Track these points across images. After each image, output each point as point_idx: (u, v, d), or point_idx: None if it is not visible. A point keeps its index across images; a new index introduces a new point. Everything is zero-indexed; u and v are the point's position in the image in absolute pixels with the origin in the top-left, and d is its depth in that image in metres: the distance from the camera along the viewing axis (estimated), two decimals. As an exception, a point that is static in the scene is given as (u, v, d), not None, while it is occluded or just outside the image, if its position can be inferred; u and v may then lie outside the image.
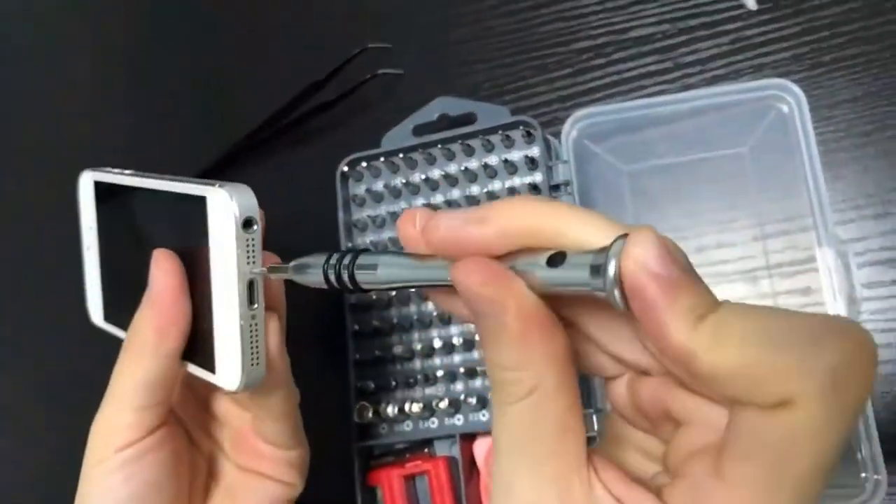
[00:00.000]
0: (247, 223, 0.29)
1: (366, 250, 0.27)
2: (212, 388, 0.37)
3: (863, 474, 0.39)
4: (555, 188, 0.43)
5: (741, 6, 0.48)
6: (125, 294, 0.37)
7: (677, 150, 0.46)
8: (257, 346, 0.30)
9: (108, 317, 0.39)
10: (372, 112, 0.53)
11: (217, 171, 0.55)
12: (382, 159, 0.47)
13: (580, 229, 0.21)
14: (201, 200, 0.30)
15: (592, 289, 0.20)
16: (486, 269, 0.21)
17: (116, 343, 0.34)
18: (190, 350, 0.32)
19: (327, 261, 0.27)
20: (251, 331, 0.30)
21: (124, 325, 0.36)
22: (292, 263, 0.29)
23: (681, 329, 0.19)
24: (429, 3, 0.54)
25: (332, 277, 0.27)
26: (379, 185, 0.47)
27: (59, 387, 0.57)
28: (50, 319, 0.57)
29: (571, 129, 0.45)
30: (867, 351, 0.19)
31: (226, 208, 0.29)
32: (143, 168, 0.36)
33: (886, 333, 0.42)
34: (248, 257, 0.29)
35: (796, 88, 0.43)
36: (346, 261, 0.27)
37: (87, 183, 0.39)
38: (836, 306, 0.41)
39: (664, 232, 0.47)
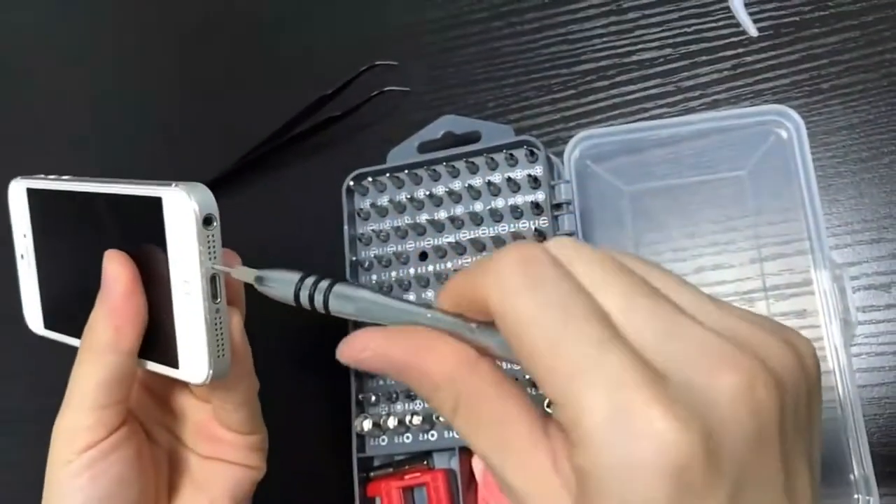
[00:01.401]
0: (206, 220, 0.30)
1: (344, 280, 0.28)
2: (168, 384, 0.38)
3: (855, 496, 0.40)
4: (556, 207, 0.44)
5: (742, 33, 0.49)
6: (70, 299, 0.38)
7: (677, 171, 0.47)
8: (222, 339, 0.32)
9: (51, 324, 0.39)
10: (378, 128, 0.54)
11: (223, 185, 0.56)
12: (388, 175, 0.48)
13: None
14: (156, 201, 0.31)
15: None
16: (351, 344, 0.24)
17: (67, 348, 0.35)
18: (148, 348, 0.33)
19: (302, 280, 0.28)
20: (216, 324, 0.31)
21: (70, 331, 0.37)
22: (260, 272, 0.30)
23: None
24: (436, 23, 0.55)
25: (304, 297, 0.28)
26: (384, 200, 0.48)
27: (16, 392, 0.57)
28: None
29: (574, 150, 0.46)
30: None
31: (185, 206, 0.30)
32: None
33: (881, 357, 0.43)
34: (210, 253, 0.31)
35: (795, 115, 0.44)
36: (323, 286, 0.27)
37: (18, 191, 0.39)
38: (832, 329, 0.42)
39: (663, 253, 0.48)
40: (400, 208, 0.48)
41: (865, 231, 0.44)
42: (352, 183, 0.48)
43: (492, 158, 0.46)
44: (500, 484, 0.23)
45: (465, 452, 0.44)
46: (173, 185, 0.31)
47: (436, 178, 0.47)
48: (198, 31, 0.63)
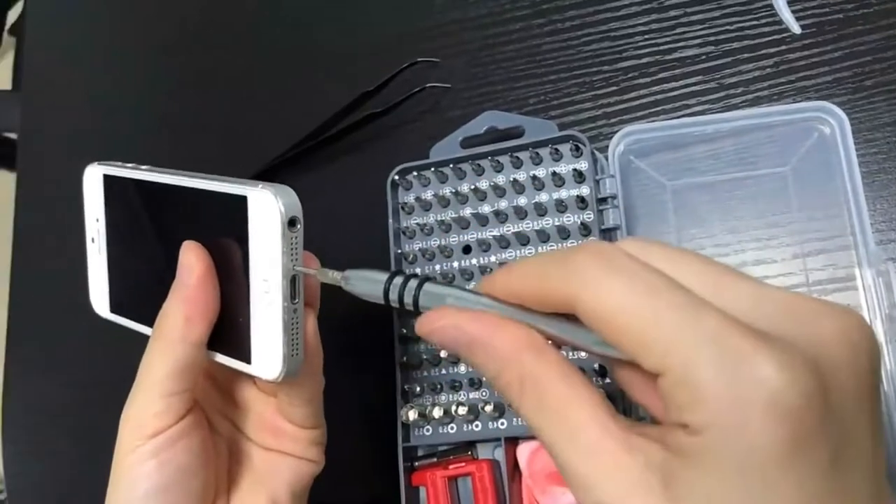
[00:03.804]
0: (291, 222, 0.31)
1: (431, 278, 0.28)
2: (231, 375, 0.38)
3: None
4: (601, 201, 0.45)
5: (785, 30, 0.49)
6: (139, 286, 0.38)
7: (720, 167, 0.47)
8: (297, 339, 0.32)
9: (116, 308, 0.40)
10: (420, 124, 0.55)
11: (267, 177, 0.57)
12: (432, 169, 0.48)
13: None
14: (241, 199, 0.32)
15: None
16: (428, 316, 0.26)
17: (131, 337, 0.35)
18: (220, 341, 0.34)
19: (390, 279, 0.29)
20: (292, 324, 0.32)
21: (135, 317, 0.38)
22: (346, 273, 0.31)
23: None
24: (477, 21, 0.56)
25: (394, 297, 0.29)
26: (428, 194, 0.49)
27: (82, 383, 0.59)
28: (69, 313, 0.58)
29: (618, 144, 0.46)
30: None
31: (271, 208, 0.31)
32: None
33: (926, 352, 0.43)
34: (293, 255, 0.31)
35: (839, 111, 0.44)
36: (412, 285, 0.28)
37: (94, 176, 0.40)
38: (876, 325, 0.42)
39: (706, 248, 0.48)
40: (444, 202, 0.48)
41: (910, 227, 0.44)
42: (396, 177, 0.49)
43: (536, 153, 0.46)
44: (563, 471, 0.23)
45: (510, 443, 0.44)
46: (259, 185, 0.31)
47: (479, 172, 0.48)
48: (237, 26, 0.64)
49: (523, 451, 0.44)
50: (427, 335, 0.26)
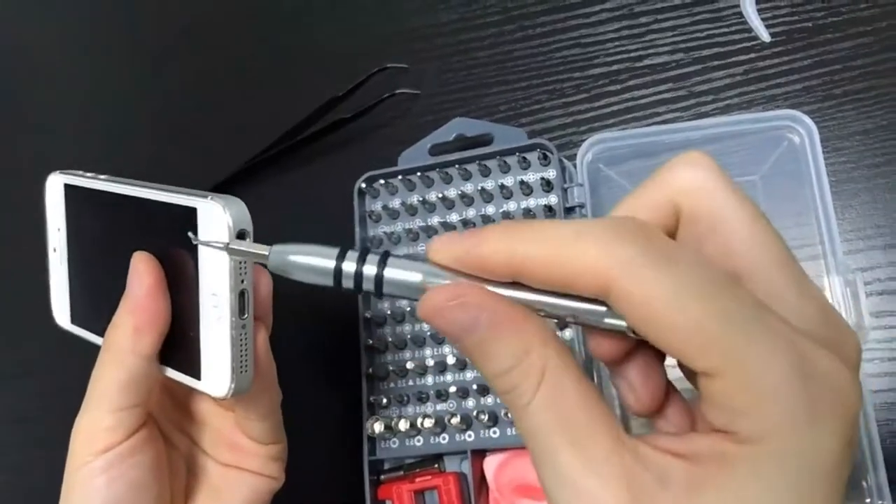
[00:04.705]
0: (240, 236, 0.30)
1: (389, 253, 0.24)
2: (190, 390, 0.37)
3: (867, 500, 0.40)
4: (569, 210, 0.44)
5: (755, 38, 0.49)
6: (96, 297, 0.38)
7: (690, 176, 0.47)
8: (246, 355, 0.31)
9: (76, 319, 0.39)
10: (388, 130, 0.54)
11: (233, 184, 0.56)
12: (400, 177, 0.48)
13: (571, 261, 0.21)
14: (191, 211, 0.31)
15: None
16: (440, 292, 0.22)
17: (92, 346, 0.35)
18: (172, 356, 0.33)
19: (341, 254, 0.24)
20: (241, 340, 0.31)
21: (93, 328, 0.37)
22: (275, 247, 0.26)
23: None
24: (448, 26, 0.55)
25: (349, 274, 0.24)
26: (395, 202, 0.48)
27: (38, 391, 0.57)
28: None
29: (587, 153, 0.46)
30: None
31: (219, 221, 0.29)
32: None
33: (893, 362, 0.43)
34: (241, 268, 0.30)
35: (808, 120, 0.44)
36: (372, 260, 0.23)
37: (55, 185, 0.39)
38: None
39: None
40: (411, 211, 0.48)
41: (878, 236, 0.44)
42: (363, 185, 0.48)
43: (504, 161, 0.46)
44: (556, 478, 0.20)
45: (477, 455, 0.43)
46: (209, 196, 0.30)
47: (448, 180, 0.47)
48: (205, 29, 0.63)
49: (490, 463, 0.43)
50: (438, 311, 0.22)
